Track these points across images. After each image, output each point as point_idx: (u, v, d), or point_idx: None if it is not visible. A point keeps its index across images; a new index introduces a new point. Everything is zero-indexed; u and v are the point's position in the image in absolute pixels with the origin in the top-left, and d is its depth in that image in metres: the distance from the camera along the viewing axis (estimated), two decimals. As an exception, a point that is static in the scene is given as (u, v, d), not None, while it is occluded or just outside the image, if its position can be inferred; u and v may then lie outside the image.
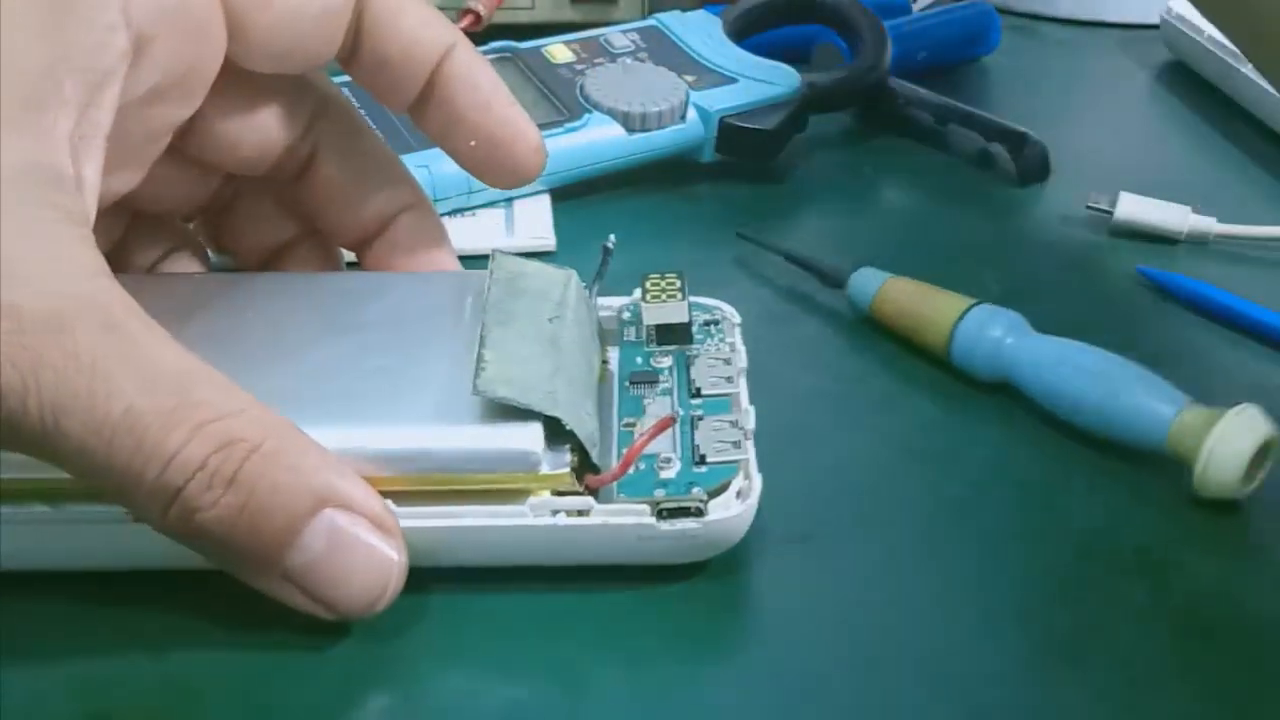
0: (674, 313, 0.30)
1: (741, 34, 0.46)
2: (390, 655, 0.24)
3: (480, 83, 0.29)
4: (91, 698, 0.23)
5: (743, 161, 0.43)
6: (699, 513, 0.25)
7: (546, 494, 0.25)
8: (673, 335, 0.30)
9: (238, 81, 0.28)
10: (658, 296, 0.30)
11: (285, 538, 0.23)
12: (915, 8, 0.55)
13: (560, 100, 0.42)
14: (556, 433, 0.25)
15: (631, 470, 0.26)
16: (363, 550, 0.23)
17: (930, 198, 0.43)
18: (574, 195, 0.41)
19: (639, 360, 0.29)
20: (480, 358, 0.26)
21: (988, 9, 0.54)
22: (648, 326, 0.30)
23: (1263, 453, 0.27)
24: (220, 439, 0.22)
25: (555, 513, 0.25)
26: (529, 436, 0.25)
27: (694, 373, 0.29)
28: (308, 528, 0.23)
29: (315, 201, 0.31)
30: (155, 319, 0.23)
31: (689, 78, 0.43)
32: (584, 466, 0.26)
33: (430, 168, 0.38)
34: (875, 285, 0.34)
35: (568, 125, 0.41)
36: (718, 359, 0.29)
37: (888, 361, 0.33)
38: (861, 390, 0.33)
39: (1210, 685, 0.24)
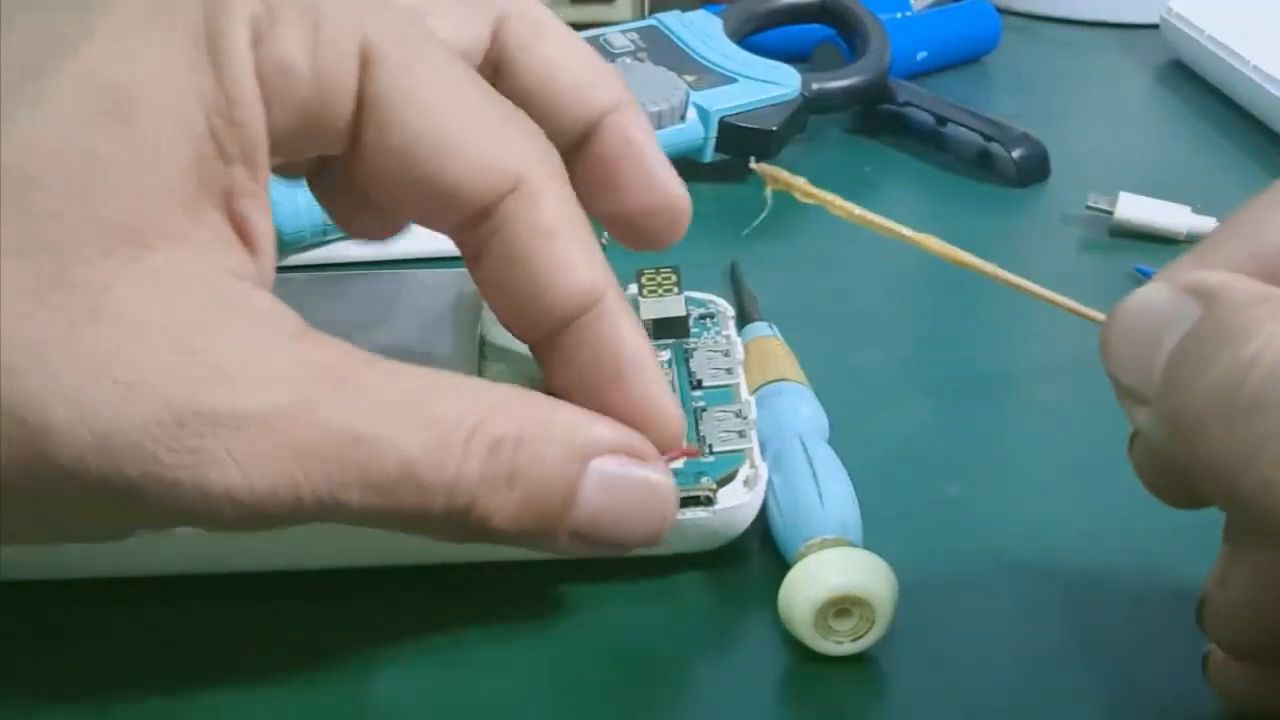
0: (671, 306, 0.30)
1: (741, 34, 0.46)
2: (396, 652, 0.24)
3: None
4: (92, 697, 0.23)
5: (743, 161, 0.43)
6: (709, 501, 0.25)
7: None
8: (670, 329, 0.30)
9: None
10: (654, 291, 0.30)
11: (566, 505, 0.23)
12: (915, 8, 0.55)
13: (560, 100, 0.42)
14: None
15: None
16: (636, 486, 0.23)
17: (930, 198, 0.43)
18: (574, 195, 0.41)
19: (637, 355, 0.29)
20: (483, 354, 0.26)
21: (988, 9, 0.54)
22: (644, 321, 0.30)
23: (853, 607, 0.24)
24: (486, 446, 0.22)
25: None
26: None
27: (693, 365, 0.29)
28: (582, 487, 0.23)
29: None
30: None
31: (689, 78, 0.43)
32: None
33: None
34: (747, 339, 0.31)
35: (568, 125, 0.41)
36: (715, 351, 0.29)
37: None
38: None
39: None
